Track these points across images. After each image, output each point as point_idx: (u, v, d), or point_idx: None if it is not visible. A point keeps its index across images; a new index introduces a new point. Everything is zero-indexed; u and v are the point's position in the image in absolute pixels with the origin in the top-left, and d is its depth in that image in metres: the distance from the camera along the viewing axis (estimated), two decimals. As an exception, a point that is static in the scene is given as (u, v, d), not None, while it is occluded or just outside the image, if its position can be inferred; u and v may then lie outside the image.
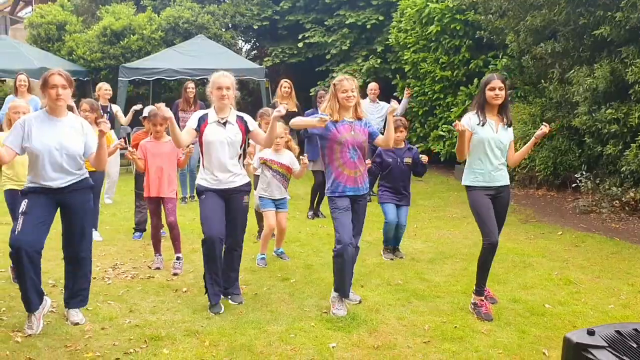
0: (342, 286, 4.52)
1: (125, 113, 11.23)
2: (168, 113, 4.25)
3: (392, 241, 6.15)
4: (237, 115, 4.58)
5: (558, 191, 9.61)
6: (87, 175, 4.26)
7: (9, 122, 5.11)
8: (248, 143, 5.34)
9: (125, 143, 6.73)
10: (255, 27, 14.49)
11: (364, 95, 9.80)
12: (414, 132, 12.53)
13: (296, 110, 8.36)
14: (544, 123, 4.70)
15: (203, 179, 4.58)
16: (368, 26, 13.21)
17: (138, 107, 8.81)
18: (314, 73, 13.56)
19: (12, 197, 5.07)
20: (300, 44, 13.82)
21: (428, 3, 11.22)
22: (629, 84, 7.59)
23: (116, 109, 8.93)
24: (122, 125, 9.14)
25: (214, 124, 4.48)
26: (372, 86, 9.80)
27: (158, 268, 5.63)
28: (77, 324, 4.22)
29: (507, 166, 4.68)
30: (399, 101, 10.14)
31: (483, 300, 4.58)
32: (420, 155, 6.12)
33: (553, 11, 8.22)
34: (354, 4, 13.59)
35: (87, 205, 4.24)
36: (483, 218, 4.52)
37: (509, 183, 4.71)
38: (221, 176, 4.52)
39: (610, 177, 8.53)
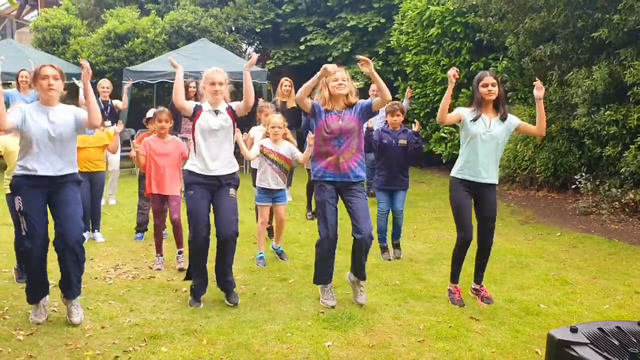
0: (317, 275, 4.75)
1: (130, 115, 11.39)
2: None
3: (385, 233, 6.20)
4: (227, 105, 4.70)
5: (559, 193, 9.64)
6: (76, 170, 4.38)
7: None
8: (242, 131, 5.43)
9: (129, 144, 6.82)
10: (258, 30, 14.57)
11: (366, 96, 9.89)
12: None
13: (295, 107, 8.44)
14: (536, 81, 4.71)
15: (193, 165, 4.67)
16: (370, 29, 13.28)
17: (129, 84, 9.12)
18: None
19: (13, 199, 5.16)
20: (302, 47, 13.90)
21: (429, 6, 11.29)
22: (628, 85, 7.64)
23: (116, 102, 9.01)
24: (120, 110, 9.14)
25: (206, 112, 4.61)
26: (374, 87, 9.86)
27: (159, 269, 5.71)
28: (76, 324, 4.27)
29: (540, 130, 4.78)
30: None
31: (457, 288, 4.81)
32: (415, 122, 6.12)
33: (552, 14, 8.27)
34: (356, 7, 13.66)
35: (77, 195, 4.35)
36: (460, 215, 4.68)
37: (496, 183, 4.76)
38: (211, 162, 4.62)
39: (611, 178, 8.57)
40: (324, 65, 4.47)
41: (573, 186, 9.02)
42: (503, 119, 4.62)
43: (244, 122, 10.92)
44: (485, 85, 4.54)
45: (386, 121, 6.30)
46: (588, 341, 2.31)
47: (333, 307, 4.63)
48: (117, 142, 6.71)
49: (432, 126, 12.07)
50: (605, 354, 2.23)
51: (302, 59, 14.12)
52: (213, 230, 4.71)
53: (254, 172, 6.25)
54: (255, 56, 4.66)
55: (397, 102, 6.39)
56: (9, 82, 12.08)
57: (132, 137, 10.10)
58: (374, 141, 6.06)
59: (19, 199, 4.19)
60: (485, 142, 4.59)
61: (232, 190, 4.72)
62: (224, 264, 4.76)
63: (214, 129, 4.60)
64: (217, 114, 4.62)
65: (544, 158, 9.44)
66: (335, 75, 4.55)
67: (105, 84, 8.94)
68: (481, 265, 4.92)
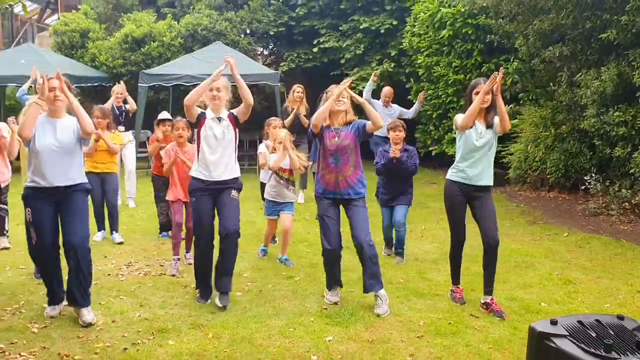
0: (328, 281, 4.95)
1: (146, 117, 11.62)
2: None
3: (390, 240, 6.33)
4: (228, 112, 4.83)
5: (569, 194, 9.66)
6: (85, 181, 4.52)
7: None
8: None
9: (145, 146, 7.01)
10: (272, 32, 14.72)
11: (377, 98, 10.00)
12: (429, 135, 12.66)
13: (306, 114, 8.59)
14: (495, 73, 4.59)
15: (197, 171, 4.82)
16: (382, 31, 13.36)
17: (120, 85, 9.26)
18: (329, 77, 13.71)
19: None
20: (315, 49, 14.01)
21: (440, 8, 11.36)
22: (637, 86, 7.65)
23: (128, 106, 9.17)
24: (131, 112, 9.31)
25: (210, 120, 4.75)
26: (387, 91, 9.96)
27: (173, 275, 5.67)
28: (89, 324, 4.37)
29: (503, 129, 4.67)
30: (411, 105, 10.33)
31: (458, 288, 4.96)
32: (392, 149, 6.06)
33: (560, 15, 8.31)
34: (368, 9, 13.75)
35: (83, 204, 4.49)
36: (453, 217, 4.85)
37: (491, 184, 4.84)
38: (214, 168, 4.75)
39: (622, 179, 8.58)
40: (332, 88, 4.67)
41: (582, 187, 9.04)
42: (488, 126, 4.70)
43: (248, 131, 10.98)
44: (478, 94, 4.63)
45: (387, 141, 6.34)
46: (567, 333, 2.42)
47: (335, 303, 4.78)
48: (112, 147, 6.79)
49: (445, 127, 12.12)
50: (582, 345, 2.33)
51: (315, 61, 14.24)
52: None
53: (261, 185, 6.40)
54: (231, 59, 4.71)
55: (399, 120, 6.47)
56: (30, 85, 12.39)
57: (148, 139, 10.30)
58: (381, 163, 6.14)
59: (28, 211, 4.38)
60: (479, 147, 4.68)
61: (234, 192, 4.86)
62: (223, 264, 4.83)
63: (218, 136, 4.74)
64: (219, 121, 4.76)
65: (554, 159, 9.46)
66: (334, 91, 4.69)
67: (118, 89, 9.08)
68: (490, 273, 4.82)
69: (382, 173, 6.23)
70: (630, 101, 7.94)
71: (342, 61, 13.76)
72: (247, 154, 12.68)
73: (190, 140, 5.96)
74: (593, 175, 8.78)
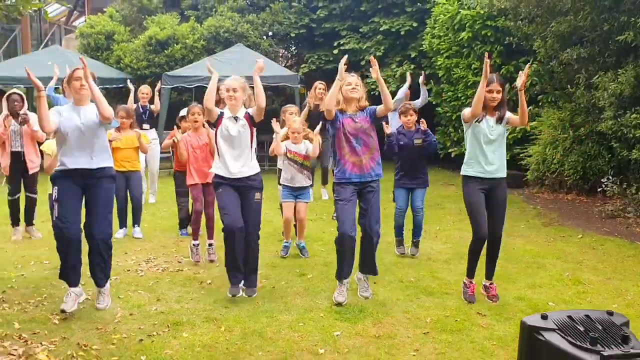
0: (340, 270, 4.95)
1: (169, 118, 11.87)
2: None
3: (402, 229, 6.42)
4: (245, 111, 5.00)
5: (587, 196, 9.64)
6: (111, 165, 4.78)
7: None
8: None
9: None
10: (293, 34, 14.89)
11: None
12: (448, 137, 12.70)
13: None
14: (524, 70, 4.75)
15: (217, 168, 5.03)
16: (402, 33, 13.44)
17: (157, 87, 9.71)
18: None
19: None
20: (335, 51, 14.14)
21: (460, 10, 11.40)
22: (654, 89, 7.65)
23: (153, 106, 9.43)
24: (155, 112, 9.56)
25: (226, 120, 4.94)
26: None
27: (197, 261, 6.03)
28: (99, 309, 4.67)
29: (521, 122, 4.85)
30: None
31: (472, 283, 4.99)
32: (421, 121, 6.23)
33: (578, 17, 8.32)
34: (389, 11, 13.83)
35: (109, 192, 4.74)
36: (474, 212, 4.89)
37: (504, 176, 4.96)
38: (233, 165, 4.94)
39: (639, 182, 8.55)
40: (340, 70, 4.75)
41: (600, 189, 9.03)
42: (498, 120, 4.82)
43: (269, 132, 11.17)
44: (491, 92, 4.74)
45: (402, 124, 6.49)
46: (556, 327, 2.51)
47: (340, 304, 4.79)
48: (144, 146, 7.10)
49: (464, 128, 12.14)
50: (569, 338, 2.43)
51: (336, 62, 14.15)
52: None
53: (279, 171, 6.58)
54: (261, 62, 4.95)
55: (409, 102, 6.58)
56: (57, 86, 12.72)
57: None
58: (394, 144, 6.25)
59: (55, 189, 4.64)
60: (490, 140, 4.82)
61: (257, 195, 5.05)
62: (247, 263, 5.05)
63: (234, 135, 4.93)
64: (236, 120, 4.95)
65: (572, 161, 9.46)
66: (348, 79, 4.83)
67: (145, 90, 9.40)
68: (491, 260, 5.07)
69: (399, 154, 6.32)
70: (648, 103, 7.92)
71: (363, 63, 13.85)
72: (267, 154, 12.85)
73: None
74: (610, 177, 8.77)
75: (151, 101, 9.43)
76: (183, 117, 7.09)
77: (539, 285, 5.45)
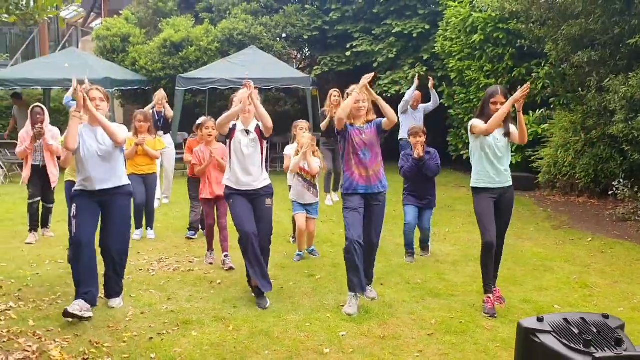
0: (351, 281, 4.88)
1: (183, 120, 12.05)
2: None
3: (412, 246, 6.45)
4: (256, 125, 5.09)
5: (599, 199, 9.63)
6: (127, 182, 4.88)
7: None
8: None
9: (182, 147, 7.38)
10: (306, 37, 14.96)
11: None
12: (460, 139, 12.72)
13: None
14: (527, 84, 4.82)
15: (228, 180, 5.14)
16: (414, 35, 13.47)
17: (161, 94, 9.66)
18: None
19: (70, 187, 5.75)
20: (348, 53, 14.20)
21: (472, 13, 11.43)
22: (665, 92, 7.63)
23: (169, 113, 9.58)
24: (168, 118, 9.69)
25: (239, 132, 5.04)
26: (415, 95, 10.23)
27: (211, 263, 6.15)
28: (111, 307, 4.82)
29: (521, 142, 4.95)
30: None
31: (489, 297, 4.88)
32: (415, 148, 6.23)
33: (589, 20, 8.33)
34: (401, 14, 13.87)
35: (125, 210, 4.87)
36: (483, 220, 4.92)
37: (511, 184, 5.02)
38: (243, 178, 5.04)
39: (651, 185, 8.55)
40: (361, 85, 4.85)
41: (611, 192, 9.02)
42: (506, 134, 4.86)
43: (281, 134, 11.25)
44: (495, 103, 4.78)
45: (410, 145, 6.52)
46: (551, 329, 2.56)
47: (350, 315, 4.74)
48: (152, 153, 7.18)
49: (475, 131, 12.16)
50: (564, 340, 2.48)
51: (349, 64, 14.43)
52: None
53: (290, 187, 6.66)
54: (250, 83, 4.95)
55: (418, 125, 6.65)
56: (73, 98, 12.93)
57: (185, 141, 10.68)
58: (406, 166, 6.32)
59: (74, 206, 4.74)
60: (497, 152, 4.87)
61: (268, 200, 5.16)
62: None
63: (245, 147, 5.03)
64: (247, 133, 5.05)
65: (584, 164, 9.46)
66: (355, 95, 4.89)
67: (161, 96, 9.55)
68: (495, 265, 5.09)
69: (408, 177, 6.39)
70: (659, 107, 7.91)
71: (375, 65, 13.91)
72: (279, 156, 12.94)
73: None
74: (621, 180, 8.76)
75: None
76: (199, 125, 7.19)
77: (545, 288, 5.49)
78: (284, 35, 15.20)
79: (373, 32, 14.13)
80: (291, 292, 5.30)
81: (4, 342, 4.16)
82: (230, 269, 5.97)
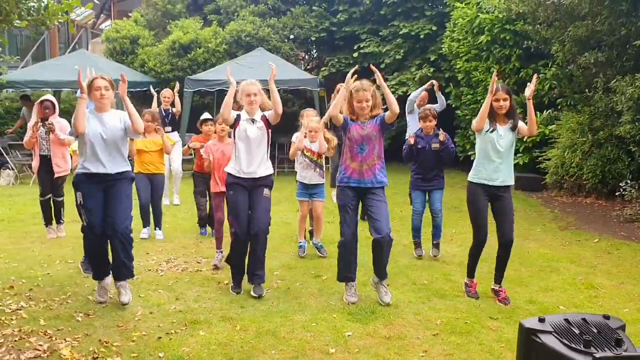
0: (340, 271, 5.14)
1: (191, 121, 12.11)
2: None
3: (419, 232, 6.54)
4: (262, 114, 5.20)
5: (607, 200, 9.63)
6: (129, 168, 5.01)
7: None
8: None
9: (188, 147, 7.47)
10: (313, 38, 15.03)
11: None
12: (468, 140, 12.73)
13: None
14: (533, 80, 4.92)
15: (232, 168, 5.24)
16: (422, 36, 13.52)
17: (177, 87, 9.98)
18: (369, 82, 13.96)
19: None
20: (355, 54, 14.26)
21: (479, 14, 11.46)
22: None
23: (174, 109, 9.68)
24: (176, 114, 9.80)
25: (244, 122, 5.14)
26: (422, 95, 10.18)
27: (216, 266, 6.07)
28: (125, 303, 4.89)
29: (529, 131, 4.98)
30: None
31: (472, 281, 5.20)
32: (440, 132, 6.35)
33: (596, 21, 8.34)
34: (409, 15, 13.92)
35: (127, 190, 4.97)
36: (476, 217, 5.06)
37: (512, 184, 5.07)
38: (247, 166, 5.15)
39: (659, 186, 8.54)
40: (347, 80, 4.91)
41: (617, 193, 9.02)
42: (513, 128, 4.91)
43: (288, 134, 11.39)
44: (497, 100, 4.84)
45: (420, 128, 6.60)
46: (552, 330, 2.61)
47: (354, 303, 4.98)
48: (168, 146, 7.34)
49: (483, 132, 12.18)
50: (564, 340, 2.52)
51: (356, 65, 14.48)
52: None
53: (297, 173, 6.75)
54: (274, 68, 5.17)
55: (429, 107, 6.69)
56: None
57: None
58: (410, 148, 6.38)
59: (79, 194, 4.88)
60: (498, 150, 4.90)
61: (266, 190, 5.24)
62: (255, 258, 5.24)
63: (251, 136, 5.12)
64: (253, 122, 5.15)
65: (591, 165, 9.47)
66: (359, 95, 4.91)
67: (166, 93, 9.68)
68: (501, 265, 5.19)
69: (411, 160, 6.47)
70: (666, 108, 7.91)
71: (383, 66, 13.96)
72: (286, 156, 13.00)
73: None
74: (629, 181, 8.76)
75: (173, 104, 9.67)
76: (204, 121, 7.27)
77: (551, 289, 5.51)
78: (291, 36, 15.28)
79: (380, 33, 14.19)
80: (298, 292, 5.35)
81: (15, 341, 4.23)
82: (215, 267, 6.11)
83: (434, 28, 13.48)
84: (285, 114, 5.23)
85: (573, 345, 2.47)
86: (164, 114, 9.45)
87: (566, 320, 2.68)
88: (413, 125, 9.72)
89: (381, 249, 4.94)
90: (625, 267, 6.25)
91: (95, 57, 14.76)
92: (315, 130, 6.30)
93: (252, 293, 5.19)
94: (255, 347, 4.16)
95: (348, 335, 4.36)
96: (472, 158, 12.66)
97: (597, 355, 2.37)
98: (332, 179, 9.52)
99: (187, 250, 6.83)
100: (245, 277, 5.37)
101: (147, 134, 7.16)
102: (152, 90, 10.25)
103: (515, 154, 10.64)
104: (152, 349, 4.12)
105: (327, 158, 6.80)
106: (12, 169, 12.22)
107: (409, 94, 12.48)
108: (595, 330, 2.60)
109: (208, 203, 7.35)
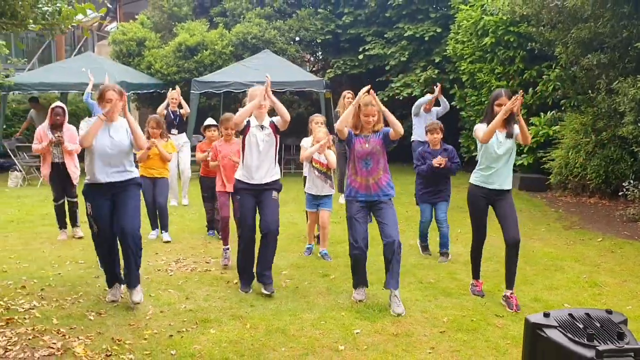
0: (355, 281, 5.22)
1: (198, 123, 12.21)
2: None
3: (426, 237, 6.71)
4: (270, 120, 5.28)
5: (610, 200, 9.69)
6: (135, 175, 5.07)
7: None
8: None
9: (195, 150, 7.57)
10: (319, 40, 15.12)
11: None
12: (472, 141, 12.78)
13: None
14: (518, 94, 4.91)
15: (241, 174, 5.33)
16: (426, 38, 13.59)
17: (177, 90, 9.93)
18: (374, 83, 14.00)
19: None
20: (360, 56, 14.34)
21: (483, 16, 11.53)
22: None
23: (182, 110, 9.75)
24: (184, 115, 9.87)
25: (254, 128, 5.22)
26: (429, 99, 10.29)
27: (226, 265, 6.21)
28: (137, 303, 4.98)
29: (524, 143, 5.05)
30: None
31: (478, 281, 5.35)
32: (438, 157, 6.40)
33: (598, 24, 8.41)
34: (413, 17, 13.99)
35: (135, 197, 5.03)
36: (476, 218, 5.21)
37: (510, 188, 5.15)
38: (256, 172, 5.24)
39: (663, 186, 8.60)
40: (360, 100, 4.97)
41: (621, 193, 9.08)
42: (509, 136, 4.97)
43: (294, 136, 11.45)
44: (500, 105, 4.90)
45: (427, 141, 6.69)
46: (557, 324, 2.68)
47: (361, 301, 5.09)
48: (165, 155, 7.37)
49: (487, 133, 12.24)
50: (568, 334, 2.60)
51: (361, 67, 14.58)
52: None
53: (304, 179, 6.83)
54: (269, 79, 5.20)
55: (437, 121, 6.79)
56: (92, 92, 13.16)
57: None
58: (422, 165, 6.51)
59: (89, 205, 4.97)
60: (499, 155, 4.99)
61: (274, 193, 5.33)
62: (264, 259, 5.34)
63: (260, 143, 5.21)
64: (262, 129, 5.24)
65: (595, 165, 9.53)
66: (367, 110, 4.98)
67: (173, 94, 9.72)
68: (511, 268, 5.12)
69: (425, 176, 6.55)
70: (668, 109, 7.97)
71: (387, 68, 14.05)
72: (293, 158, 13.09)
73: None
74: (632, 181, 8.81)
75: (180, 105, 9.76)
76: (207, 127, 7.33)
77: (555, 287, 5.58)
78: (297, 38, 15.38)
79: (385, 35, 14.26)
80: (306, 291, 5.44)
81: (29, 339, 4.32)
82: (225, 266, 6.19)
83: (439, 30, 13.55)
84: (291, 116, 5.31)
85: (577, 339, 2.55)
86: (172, 117, 9.54)
87: (570, 315, 2.76)
88: (418, 128, 9.82)
89: (391, 251, 4.98)
90: (628, 265, 6.31)
91: (102, 59, 14.87)
92: (322, 145, 6.33)
93: (263, 291, 5.29)
94: (265, 344, 4.25)
95: (356, 333, 4.44)
96: (476, 158, 12.76)
97: (600, 348, 2.44)
98: (340, 184, 9.61)
99: (196, 250, 6.93)
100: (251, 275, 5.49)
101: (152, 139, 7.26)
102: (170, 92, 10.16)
103: (519, 155, 10.84)
104: (164, 347, 4.21)
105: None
106: (20, 171, 12.33)
107: (414, 95, 12.60)
108: (598, 325, 2.68)
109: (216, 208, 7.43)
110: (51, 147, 7.20)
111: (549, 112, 11.01)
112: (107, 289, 5.26)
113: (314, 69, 17.29)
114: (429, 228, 6.69)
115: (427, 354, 4.11)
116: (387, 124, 5.06)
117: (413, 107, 10.23)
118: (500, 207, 5.11)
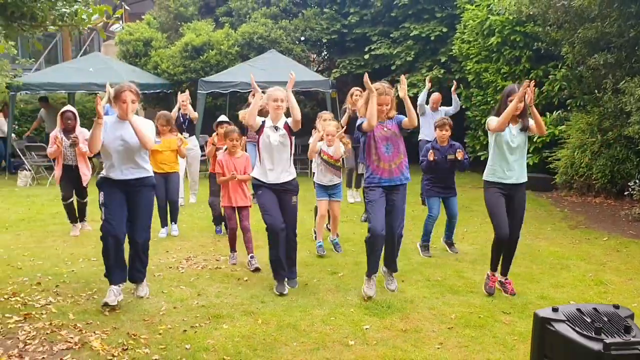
0: (370, 267, 5.23)
1: (205, 123, 12.33)
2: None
3: (430, 235, 6.76)
4: (285, 121, 5.37)
5: (615, 199, 9.75)
6: (151, 174, 5.16)
7: None
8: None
9: (204, 150, 7.68)
10: (325, 40, 15.20)
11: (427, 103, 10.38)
12: (478, 141, 12.87)
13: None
14: (526, 80, 5.06)
15: (257, 173, 5.45)
16: (432, 38, 13.66)
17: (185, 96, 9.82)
18: (389, 85, 14.09)
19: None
20: (366, 56, 14.41)
21: (489, 15, 11.60)
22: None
23: (193, 114, 9.85)
24: (193, 119, 9.95)
25: (268, 129, 5.33)
26: (435, 97, 10.38)
27: (234, 264, 6.34)
28: (141, 297, 5.14)
29: (540, 130, 5.09)
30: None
31: (494, 276, 5.37)
32: (457, 151, 6.53)
33: (605, 23, 8.47)
34: (419, 17, 14.06)
35: (148, 200, 5.14)
36: (495, 214, 5.21)
37: (525, 181, 5.24)
38: (272, 172, 5.35)
39: (667, 185, 8.66)
40: (369, 87, 5.03)
41: (626, 192, 9.14)
42: (523, 129, 5.07)
43: (300, 136, 11.54)
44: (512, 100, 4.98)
45: (435, 138, 6.78)
46: (565, 319, 2.77)
47: (370, 297, 5.14)
48: (182, 151, 7.61)
49: (492, 133, 12.31)
50: (576, 328, 2.68)
51: (367, 67, 14.61)
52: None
53: (312, 174, 6.98)
54: (294, 76, 5.34)
55: (446, 117, 6.87)
56: (96, 92, 13.26)
57: (206, 143, 10.95)
58: (429, 163, 6.59)
59: (101, 194, 5.06)
60: (513, 148, 5.08)
61: (294, 198, 5.47)
62: (287, 258, 5.50)
63: (274, 143, 5.31)
64: (276, 130, 5.34)
65: (601, 165, 9.59)
66: (380, 99, 5.06)
67: (183, 97, 9.80)
68: (507, 258, 5.38)
69: (429, 170, 6.65)
70: (674, 109, 8.03)
71: (393, 67, 14.12)
72: (299, 158, 13.16)
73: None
74: (637, 181, 8.87)
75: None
76: (220, 123, 7.43)
77: (561, 285, 5.65)
78: (303, 38, 15.46)
79: (391, 35, 14.33)
80: (315, 288, 5.52)
81: (47, 333, 4.42)
82: (257, 269, 6.06)
83: (445, 30, 13.61)
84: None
85: (585, 333, 2.63)
86: (182, 119, 9.62)
87: (578, 309, 2.84)
88: (425, 127, 9.90)
89: (392, 240, 5.17)
90: (633, 264, 6.38)
91: (109, 59, 14.99)
92: (332, 135, 6.48)
93: (286, 285, 5.41)
94: (277, 339, 4.34)
95: (366, 329, 4.52)
96: (482, 158, 12.86)
97: (608, 341, 2.52)
98: (348, 180, 9.69)
99: (206, 248, 7.02)
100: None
101: (161, 136, 7.36)
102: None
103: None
104: (179, 341, 4.30)
105: (342, 159, 7.02)
106: (29, 170, 12.45)
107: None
108: (605, 319, 2.76)
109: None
110: (65, 150, 7.32)
111: (555, 111, 11.07)
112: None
113: (319, 68, 17.36)
114: (433, 226, 6.75)
115: (435, 349, 4.19)
116: (401, 113, 5.15)
117: (417, 108, 10.30)
118: (513, 202, 5.21)
